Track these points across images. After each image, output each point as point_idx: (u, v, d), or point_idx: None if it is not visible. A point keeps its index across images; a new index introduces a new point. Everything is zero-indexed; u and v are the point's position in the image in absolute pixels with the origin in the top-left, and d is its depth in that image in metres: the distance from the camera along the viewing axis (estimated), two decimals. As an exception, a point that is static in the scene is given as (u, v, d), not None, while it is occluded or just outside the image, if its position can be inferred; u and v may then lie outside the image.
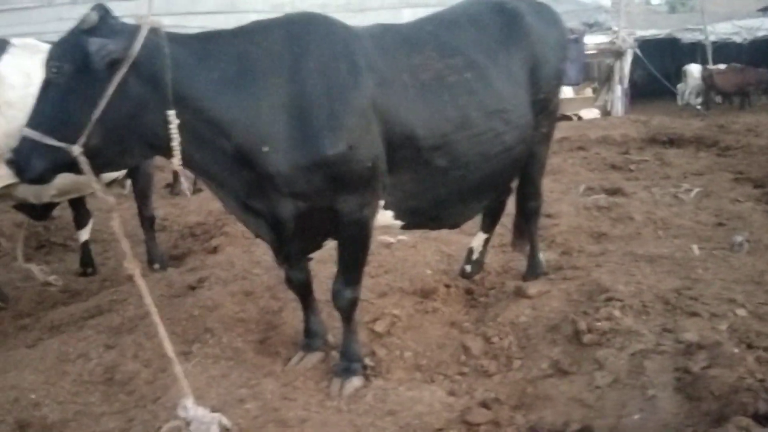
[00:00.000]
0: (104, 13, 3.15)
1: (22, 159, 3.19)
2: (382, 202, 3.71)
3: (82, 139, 3.08)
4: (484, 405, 3.48)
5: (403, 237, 5.83)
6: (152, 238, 6.20)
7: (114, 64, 3.04)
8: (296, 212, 3.46)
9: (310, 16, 3.60)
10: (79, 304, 5.12)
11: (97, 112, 3.05)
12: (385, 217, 3.81)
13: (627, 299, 4.03)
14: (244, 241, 6.38)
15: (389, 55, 3.63)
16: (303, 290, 4.08)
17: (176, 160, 3.27)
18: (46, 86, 3.17)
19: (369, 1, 23.95)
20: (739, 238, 5.05)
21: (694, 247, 5.06)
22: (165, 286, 5.10)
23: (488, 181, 4.03)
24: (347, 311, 3.82)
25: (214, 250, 6.20)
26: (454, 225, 4.34)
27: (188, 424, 3.23)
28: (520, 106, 4.03)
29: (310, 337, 4.14)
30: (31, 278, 5.89)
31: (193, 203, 8.14)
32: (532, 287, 4.37)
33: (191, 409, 3.26)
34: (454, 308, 4.53)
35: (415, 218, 3.92)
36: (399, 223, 3.89)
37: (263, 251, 5.93)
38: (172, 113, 3.15)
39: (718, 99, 22.57)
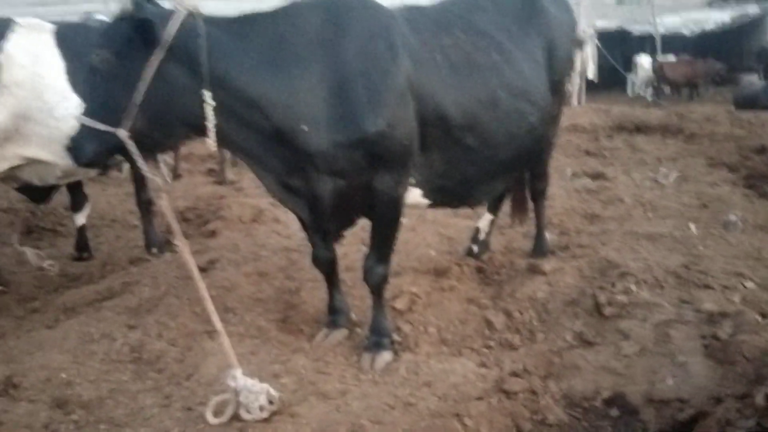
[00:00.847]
0: (141, 1, 3.26)
1: (77, 144, 3.36)
2: (411, 180, 3.80)
3: (128, 123, 3.20)
4: (515, 375, 3.62)
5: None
6: (150, 222, 6.15)
7: (153, 48, 3.14)
8: (335, 190, 3.54)
9: None
10: (90, 286, 5.09)
11: (138, 96, 3.17)
12: (413, 195, 3.90)
13: (639, 274, 4.21)
14: (241, 225, 6.41)
15: (422, 35, 3.73)
16: (329, 268, 4.14)
17: (211, 141, 3.38)
18: (93, 73, 3.29)
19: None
20: (732, 218, 5.29)
21: (692, 226, 5.28)
22: (176, 267, 5.10)
23: (513, 161, 4.17)
24: (378, 287, 3.91)
25: (213, 234, 6.21)
26: (477, 203, 4.47)
27: (237, 393, 3.29)
28: (542, 87, 4.18)
29: (335, 314, 4.21)
30: (24, 263, 5.84)
31: (178, 189, 8.10)
32: (547, 264, 4.53)
33: (240, 379, 3.32)
34: (469, 286, 4.65)
35: (442, 197, 4.02)
36: (426, 201, 3.99)
37: (266, 234, 6.01)
38: (208, 94, 3.24)
39: (667, 90, 23.12)
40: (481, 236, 5.14)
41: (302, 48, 3.42)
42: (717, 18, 28.09)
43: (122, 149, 3.34)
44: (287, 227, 6.39)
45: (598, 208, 6.21)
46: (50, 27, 5.09)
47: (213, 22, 3.37)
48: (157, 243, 6.14)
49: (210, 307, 3.48)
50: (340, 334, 4.17)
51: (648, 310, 3.80)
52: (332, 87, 3.41)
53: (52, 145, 4.94)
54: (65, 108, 4.88)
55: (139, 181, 6.01)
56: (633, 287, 4.05)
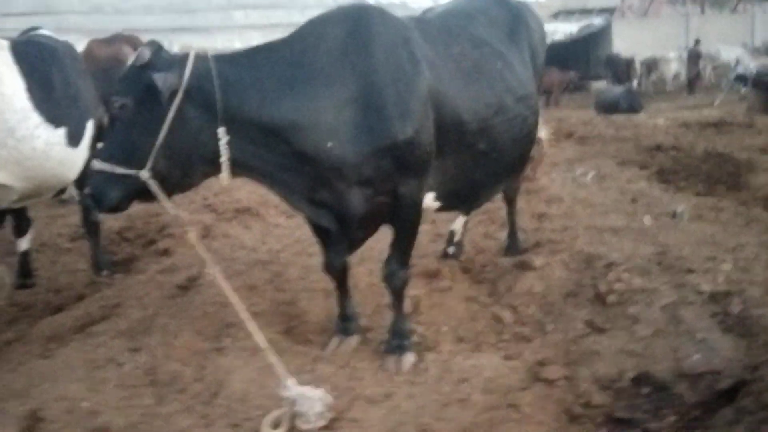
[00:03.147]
0: (157, 48, 3.36)
1: (98, 190, 3.38)
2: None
3: (149, 165, 3.26)
4: (541, 364, 3.81)
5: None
6: (97, 244, 5.89)
7: (172, 94, 3.23)
8: (362, 199, 3.61)
9: (364, 9, 3.74)
10: (63, 313, 4.82)
11: (160, 139, 3.25)
12: (427, 199, 4.00)
13: (624, 263, 4.52)
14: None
15: (434, 45, 3.86)
16: (341, 275, 4.17)
17: (225, 176, 3.47)
18: (112, 121, 3.39)
19: (194, 3, 23.54)
20: (679, 209, 5.75)
21: (647, 218, 5.70)
22: (154, 288, 4.94)
23: (514, 163, 4.38)
24: (399, 291, 3.98)
25: (166, 253, 6.01)
26: (477, 206, 4.64)
27: (293, 403, 3.27)
28: (534, 92, 4.42)
29: (347, 321, 4.24)
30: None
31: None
32: (536, 260, 4.75)
33: (294, 388, 3.30)
34: (463, 285, 4.80)
35: (451, 200, 4.14)
36: (437, 204, 4.10)
37: (226, 249, 5.91)
38: (221, 130, 3.33)
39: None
40: (456, 237, 5.31)
41: (324, 65, 3.49)
42: (565, 29, 29.97)
43: (143, 192, 3.38)
44: (238, 239, 6.32)
45: (542, 207, 6.54)
46: (5, 43, 4.80)
47: (223, 59, 3.47)
48: (107, 265, 5.89)
49: (253, 326, 3.47)
50: (354, 340, 4.20)
51: (649, 295, 4.09)
52: (359, 99, 3.49)
53: (10, 167, 4.66)
54: (26, 128, 4.65)
55: (85, 204, 5.74)
56: (625, 275, 4.33)
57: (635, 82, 26.29)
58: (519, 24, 4.52)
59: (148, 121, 3.25)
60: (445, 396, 3.54)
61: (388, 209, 3.74)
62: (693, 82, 26.89)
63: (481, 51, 4.09)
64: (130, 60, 3.36)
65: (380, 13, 3.75)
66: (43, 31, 5.50)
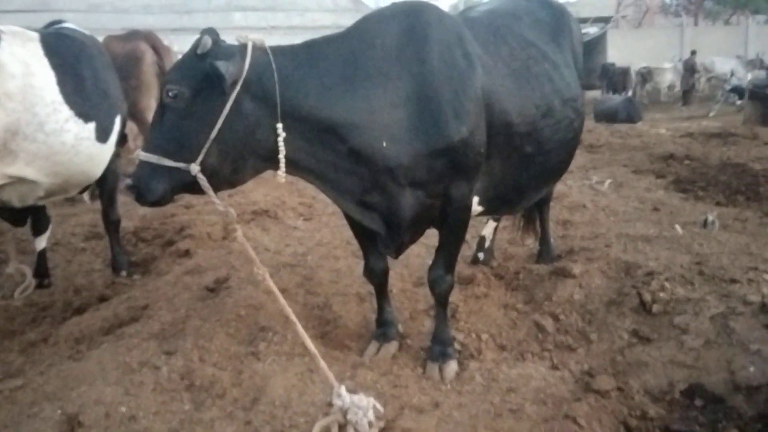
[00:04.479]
0: (216, 36, 3.23)
1: (143, 183, 3.24)
2: None
3: (200, 158, 3.14)
4: (590, 375, 3.74)
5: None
6: (118, 243, 5.76)
7: (231, 85, 3.11)
8: (414, 202, 3.51)
9: (419, 5, 3.65)
10: (90, 313, 4.69)
11: (215, 132, 3.13)
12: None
13: (664, 273, 4.45)
14: (213, 243, 6.15)
15: (484, 45, 3.78)
16: (381, 279, 4.09)
17: (281, 173, 3.34)
18: (163, 110, 3.22)
19: (194, 3, 23.42)
20: (710, 217, 5.70)
21: (677, 227, 5.64)
22: (182, 289, 4.82)
23: (559, 167, 4.30)
24: (445, 296, 3.90)
25: (187, 254, 5.89)
26: (519, 210, 4.56)
27: (345, 412, 3.18)
28: (580, 95, 4.35)
29: (385, 327, 4.15)
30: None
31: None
32: (575, 267, 4.67)
33: (346, 396, 3.21)
34: (499, 292, 4.72)
35: (494, 204, 4.05)
36: (480, 208, 4.01)
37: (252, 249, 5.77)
38: (280, 126, 3.21)
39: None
40: (487, 244, 5.23)
41: (380, 63, 3.40)
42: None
43: (189, 187, 3.28)
44: (257, 242, 6.21)
45: (566, 214, 6.47)
46: (35, 35, 4.69)
47: (281, 52, 3.34)
48: (125, 265, 5.76)
49: (300, 330, 3.37)
50: (393, 346, 4.11)
51: (696, 305, 4.02)
52: (414, 98, 3.40)
53: (39, 162, 4.55)
54: (55, 122, 4.54)
55: (107, 201, 5.63)
56: (668, 285, 4.26)
57: (630, 92, 26.36)
58: (562, 26, 4.46)
59: (203, 112, 3.13)
60: (496, 406, 3.45)
61: (437, 212, 3.65)
62: (688, 93, 27.03)
63: (529, 52, 4.01)
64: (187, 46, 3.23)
65: (435, 10, 3.67)
66: (69, 25, 5.37)
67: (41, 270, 5.58)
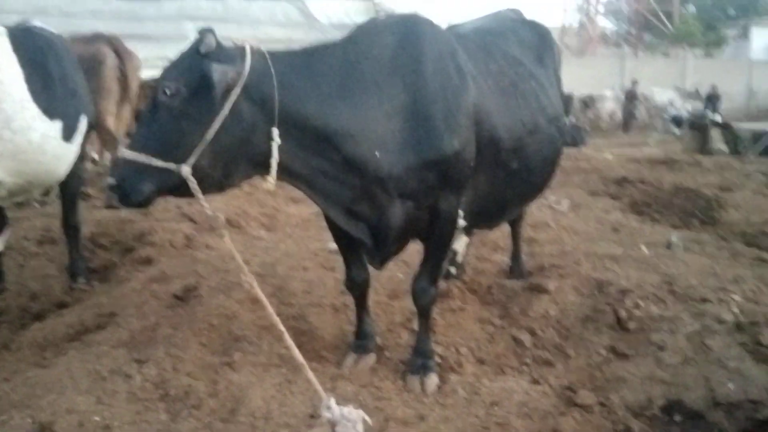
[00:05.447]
0: (214, 36, 3.12)
1: (128, 183, 3.10)
2: None
3: (192, 160, 3.02)
4: (570, 389, 3.75)
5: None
6: (77, 249, 5.54)
7: (230, 88, 3.03)
8: (402, 213, 3.49)
9: (414, 18, 3.64)
10: (54, 319, 4.50)
11: (210, 134, 3.03)
12: (455, 217, 3.92)
13: (636, 291, 4.51)
14: (175, 251, 5.99)
15: (474, 60, 3.79)
16: (363, 291, 4.04)
17: (272, 179, 3.26)
18: (155, 108, 3.08)
19: (144, 11, 22.96)
20: (674, 239, 5.82)
21: (643, 247, 5.74)
22: (150, 297, 4.67)
23: (541, 184, 4.34)
24: (428, 308, 3.87)
25: (148, 261, 5.72)
26: (497, 225, 4.56)
27: (334, 424, 3.10)
28: (562, 114, 4.39)
29: (364, 339, 4.09)
30: None
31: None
32: (550, 283, 4.70)
33: (336, 408, 3.13)
34: (475, 306, 4.70)
35: (478, 219, 4.05)
36: (463, 223, 4.00)
37: (214, 259, 5.66)
38: (275, 131, 3.15)
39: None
40: (459, 258, 5.22)
41: (375, 73, 3.37)
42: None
43: (175, 189, 3.15)
44: (221, 251, 6.08)
45: (531, 233, 6.51)
46: (2, 30, 4.51)
47: (278, 58, 3.27)
48: (84, 272, 5.56)
49: (289, 340, 3.28)
50: (371, 358, 4.05)
51: (671, 323, 4.08)
52: (408, 110, 3.38)
53: (4, 161, 4.38)
54: (23, 119, 4.37)
55: (68, 204, 5.43)
56: (641, 303, 4.32)
57: (573, 118, 26.89)
58: (546, 47, 4.52)
59: (200, 112, 3.01)
60: (481, 419, 3.43)
61: (424, 224, 3.63)
62: (628, 121, 27.75)
63: (516, 70, 4.05)
64: (190, 43, 3.11)
65: (429, 23, 3.67)
66: (36, 23, 5.19)
67: (-5, 274, 5.35)
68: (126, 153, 3.10)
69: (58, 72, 4.75)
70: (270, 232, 6.93)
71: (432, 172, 3.43)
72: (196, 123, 3.02)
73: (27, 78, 4.43)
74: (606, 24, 52.40)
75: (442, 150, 3.39)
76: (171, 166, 3.02)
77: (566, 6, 70.32)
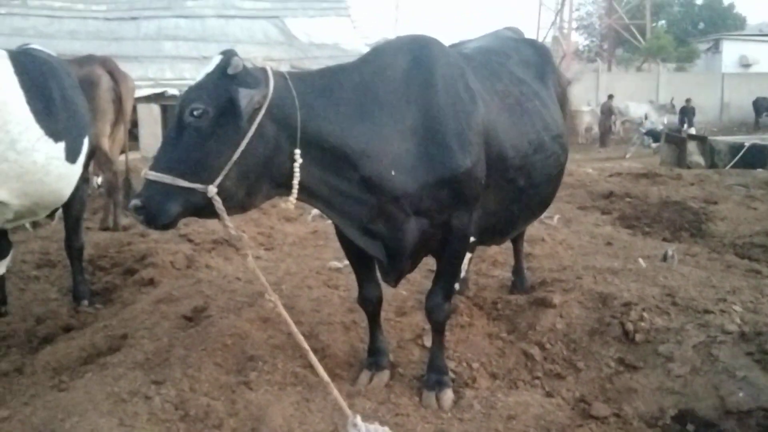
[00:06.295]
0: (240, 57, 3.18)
1: (154, 204, 3.09)
2: None
3: (218, 180, 3.06)
4: (584, 401, 3.83)
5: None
6: (80, 272, 5.55)
7: (255, 110, 3.10)
8: (417, 231, 3.56)
9: (425, 40, 3.73)
10: (66, 342, 4.50)
11: (237, 154, 3.07)
12: (462, 235, 3.99)
13: (639, 303, 4.60)
14: (177, 272, 6.01)
15: (481, 80, 3.88)
16: (375, 308, 4.10)
17: (293, 198, 3.33)
18: (181, 128, 3.11)
19: (123, 31, 22.97)
20: (670, 251, 5.93)
21: (641, 260, 5.85)
22: (160, 318, 4.69)
23: (546, 200, 4.43)
24: (442, 324, 3.93)
25: (151, 282, 5.73)
26: (504, 241, 4.64)
27: (361, 442, 3.15)
28: (565, 132, 4.49)
29: (377, 355, 4.14)
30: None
31: (57, 233, 7.32)
32: (556, 298, 4.77)
33: (362, 426, 3.18)
34: (482, 321, 4.77)
35: (485, 234, 4.13)
36: (471, 240, 4.08)
37: (219, 279, 5.69)
38: (297, 152, 3.22)
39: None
40: (462, 274, 5.29)
41: (390, 94, 3.46)
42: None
43: (199, 210, 3.18)
44: (221, 271, 6.11)
45: (527, 247, 6.59)
46: (4, 53, 4.54)
47: (299, 79, 3.35)
48: (88, 294, 5.55)
49: (314, 359, 3.34)
50: (385, 375, 4.10)
51: (678, 334, 4.16)
52: (422, 129, 3.47)
53: (10, 183, 4.39)
54: (27, 140, 4.40)
55: (71, 226, 5.44)
56: (646, 315, 4.41)
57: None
58: (547, 65, 4.63)
59: (227, 133, 3.06)
60: (501, 434, 3.49)
61: (437, 241, 3.70)
62: (605, 135, 28.15)
63: (521, 89, 4.15)
64: (214, 64, 3.15)
65: (439, 44, 3.76)
66: (35, 46, 5.22)
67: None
68: (150, 174, 3.10)
69: (59, 94, 4.77)
70: (269, 251, 6.97)
71: (445, 190, 3.51)
72: (222, 144, 3.07)
73: (30, 100, 4.46)
74: (579, 40, 53.14)
75: (455, 168, 3.48)
76: (198, 186, 3.05)
77: (539, 22, 71.12)
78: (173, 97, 18.79)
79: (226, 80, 3.06)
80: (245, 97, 3.01)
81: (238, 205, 3.26)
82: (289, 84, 3.23)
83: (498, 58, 4.28)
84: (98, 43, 20.28)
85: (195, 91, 3.11)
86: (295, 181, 3.24)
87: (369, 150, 3.35)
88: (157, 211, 3.11)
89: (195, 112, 3.04)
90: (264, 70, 3.21)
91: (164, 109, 19.77)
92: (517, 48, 4.55)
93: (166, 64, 20.86)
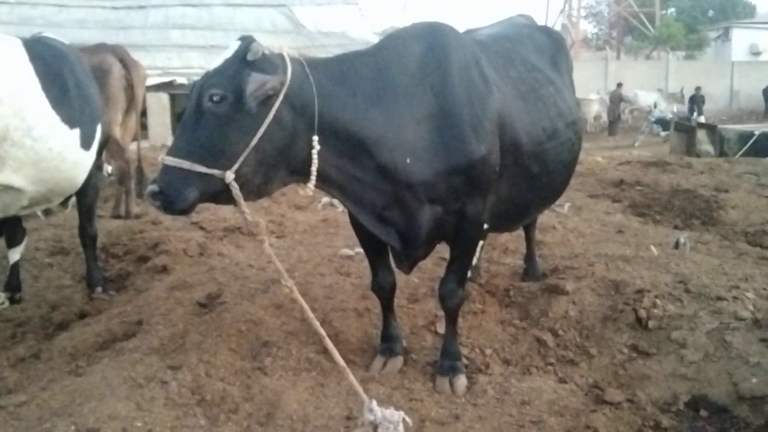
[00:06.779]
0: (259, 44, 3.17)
1: (173, 190, 3.07)
2: None
3: (236, 166, 3.06)
4: (597, 387, 3.84)
5: (360, 249, 5.95)
6: (94, 259, 5.58)
7: (272, 96, 3.08)
8: (431, 218, 3.57)
9: (439, 27, 3.73)
10: (81, 329, 4.54)
11: (255, 140, 3.07)
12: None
13: (652, 290, 4.60)
14: (189, 259, 6.04)
15: (496, 67, 3.88)
16: (389, 294, 4.12)
17: (311, 185, 3.32)
18: (199, 114, 3.10)
19: (130, 20, 22.98)
20: (682, 239, 5.93)
21: (653, 248, 5.85)
22: (174, 304, 4.72)
23: (560, 188, 4.43)
24: (456, 310, 3.95)
25: (164, 270, 5.76)
26: (517, 228, 4.65)
27: (376, 426, 3.17)
28: (579, 119, 4.49)
29: (391, 341, 4.17)
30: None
31: (70, 221, 7.37)
32: (568, 285, 4.79)
33: (377, 410, 3.20)
34: (494, 308, 4.79)
35: (499, 221, 4.14)
36: (485, 226, 4.09)
37: (231, 266, 5.72)
38: (315, 139, 3.21)
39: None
40: (474, 261, 5.30)
41: (405, 81, 3.46)
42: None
43: (216, 196, 3.18)
44: (233, 258, 6.14)
45: (538, 235, 6.59)
46: (18, 41, 4.56)
47: (315, 65, 3.35)
48: (101, 281, 5.59)
49: (330, 345, 3.36)
50: (399, 361, 4.13)
51: (690, 321, 4.18)
52: (437, 116, 3.48)
53: (26, 169, 4.42)
54: (43, 127, 4.42)
55: (85, 214, 5.46)
56: (659, 302, 4.42)
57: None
58: (560, 52, 4.63)
59: (245, 119, 3.05)
60: (516, 418, 3.52)
61: (451, 228, 3.71)
62: (614, 124, 28.05)
63: (535, 76, 4.14)
64: (233, 50, 3.14)
65: (453, 31, 3.75)
66: (48, 34, 5.24)
67: (13, 284, 5.38)
68: (168, 160, 3.09)
69: (73, 81, 4.80)
70: (280, 239, 6.99)
71: (460, 177, 3.52)
72: (241, 130, 3.06)
73: (45, 87, 4.48)
74: (588, 27, 52.92)
75: (470, 155, 3.48)
76: (215, 172, 3.05)
77: (548, 10, 70.82)
78: (182, 86, 18.80)
79: (247, 66, 3.05)
80: (254, 81, 3.00)
81: (254, 191, 3.26)
82: (306, 71, 3.23)
83: (512, 45, 4.28)
84: (106, 32, 20.30)
85: (214, 77, 3.09)
86: (314, 168, 3.25)
87: (385, 137, 3.35)
88: (175, 196, 3.09)
89: (214, 98, 3.03)
90: (282, 57, 3.20)
91: (173, 98, 19.78)
92: (531, 35, 4.55)
93: (174, 53, 20.87)
